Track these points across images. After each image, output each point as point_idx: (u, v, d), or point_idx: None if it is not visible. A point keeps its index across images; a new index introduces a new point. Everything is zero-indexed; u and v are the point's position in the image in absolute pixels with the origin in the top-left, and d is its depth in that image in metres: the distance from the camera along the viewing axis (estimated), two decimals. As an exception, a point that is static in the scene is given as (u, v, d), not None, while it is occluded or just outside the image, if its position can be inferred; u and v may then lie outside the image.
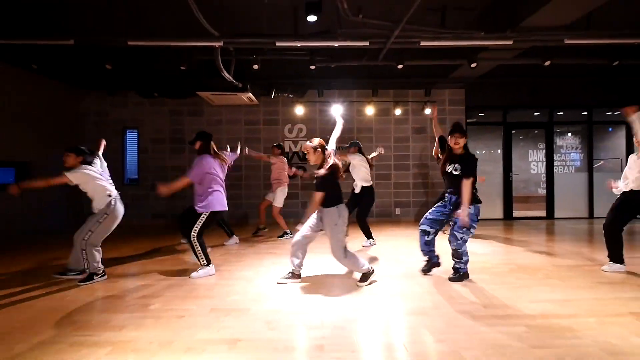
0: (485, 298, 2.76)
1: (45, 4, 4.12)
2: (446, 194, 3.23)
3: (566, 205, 7.23)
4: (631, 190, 3.31)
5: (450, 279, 3.16)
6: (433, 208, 3.29)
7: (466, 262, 3.17)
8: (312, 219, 3.14)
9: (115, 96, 7.00)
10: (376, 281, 3.18)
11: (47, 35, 4.21)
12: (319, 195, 2.98)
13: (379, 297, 2.82)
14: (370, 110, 6.79)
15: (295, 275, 3.19)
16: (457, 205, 3.07)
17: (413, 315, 2.45)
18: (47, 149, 6.28)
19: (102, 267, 3.33)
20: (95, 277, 3.24)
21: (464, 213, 2.93)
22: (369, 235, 4.68)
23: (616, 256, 3.44)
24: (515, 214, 7.43)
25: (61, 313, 2.53)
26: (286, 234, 5.24)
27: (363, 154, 4.65)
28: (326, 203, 3.01)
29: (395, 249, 4.56)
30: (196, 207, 3.38)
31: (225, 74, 5.01)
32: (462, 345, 2.02)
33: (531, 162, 9.45)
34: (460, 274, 3.17)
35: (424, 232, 3.22)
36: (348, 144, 4.81)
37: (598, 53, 4.90)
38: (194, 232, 3.32)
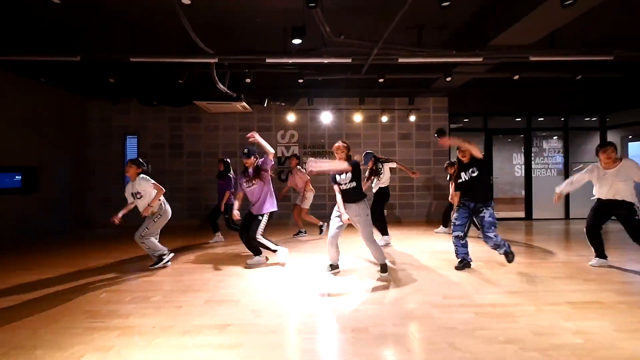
0: (447, 290, 3.15)
1: (55, 23, 4.48)
2: (465, 202, 3.71)
3: (544, 206, 7.64)
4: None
5: (509, 261, 3.67)
6: (457, 214, 3.78)
7: (505, 244, 3.65)
8: (335, 219, 3.55)
9: (118, 104, 7.36)
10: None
11: (55, 51, 4.57)
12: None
13: (353, 289, 3.20)
14: (358, 117, 7.18)
15: (334, 267, 3.70)
16: (475, 210, 3.61)
17: (380, 305, 2.84)
18: (53, 154, 6.65)
19: (166, 248, 4.01)
20: (163, 257, 3.94)
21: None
22: (384, 232, 5.07)
23: (600, 252, 3.89)
24: (497, 215, 7.81)
25: (75, 305, 2.90)
26: (321, 226, 5.73)
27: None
28: (357, 198, 3.47)
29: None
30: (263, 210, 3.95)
31: (220, 86, 5.39)
32: (415, 328, 2.41)
33: (515, 165, 9.92)
34: (510, 254, 3.64)
35: (459, 237, 3.73)
36: (365, 155, 5.14)
37: (562, 68, 5.31)
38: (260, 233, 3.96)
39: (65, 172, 6.95)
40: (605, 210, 3.80)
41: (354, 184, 3.48)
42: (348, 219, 3.44)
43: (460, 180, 3.69)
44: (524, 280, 3.42)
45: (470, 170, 3.60)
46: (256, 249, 4.06)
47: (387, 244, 5.00)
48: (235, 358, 2.05)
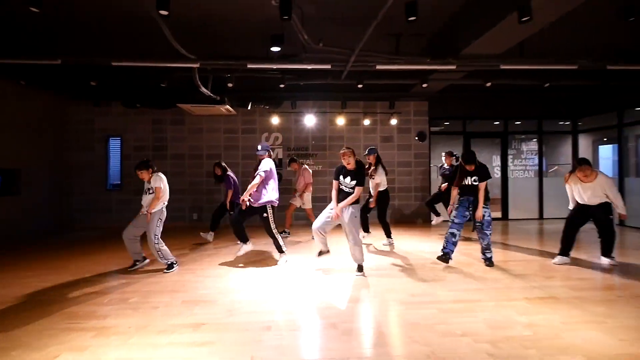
0: (416, 288, 3.32)
1: (36, 27, 4.50)
2: (462, 200, 4.07)
3: (519, 207, 7.94)
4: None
5: (488, 265, 4.03)
6: (456, 212, 4.08)
7: (491, 250, 4.10)
8: (327, 211, 3.74)
9: (101, 106, 7.34)
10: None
11: (36, 55, 4.58)
12: (360, 190, 3.61)
13: (328, 288, 3.34)
14: (341, 120, 7.34)
15: (322, 252, 3.93)
16: (475, 205, 3.97)
17: (352, 302, 2.98)
18: (34, 156, 6.60)
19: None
20: (174, 265, 4.00)
21: (480, 211, 3.93)
22: (388, 234, 5.20)
23: (565, 250, 4.19)
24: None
25: (53, 306, 2.95)
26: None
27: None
28: (353, 202, 3.66)
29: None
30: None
31: (203, 90, 5.47)
32: (380, 324, 2.56)
33: (494, 166, 10.24)
34: (491, 261, 4.04)
35: (453, 235, 4.03)
36: (367, 151, 5.16)
37: (532, 76, 5.58)
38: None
39: (46, 174, 6.89)
40: (585, 210, 4.09)
41: (353, 188, 3.61)
42: (337, 215, 3.59)
43: (463, 184, 4.04)
44: (490, 278, 3.62)
45: (472, 179, 3.97)
46: (242, 235, 4.38)
47: (391, 245, 5.12)
48: (206, 355, 2.16)
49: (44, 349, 2.24)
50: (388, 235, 5.20)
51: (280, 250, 4.27)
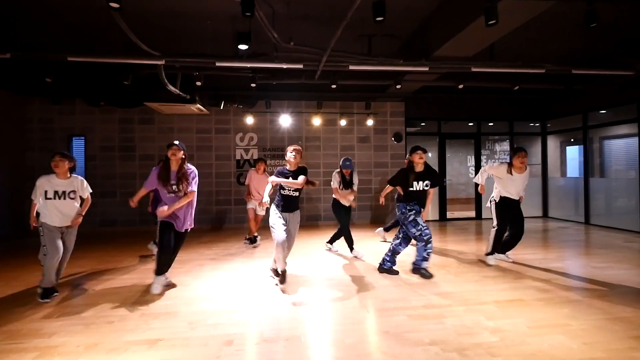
0: (388, 293, 3.26)
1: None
2: (412, 208, 3.69)
3: (492, 207, 8.11)
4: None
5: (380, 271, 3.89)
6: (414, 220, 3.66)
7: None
8: (281, 221, 3.49)
9: (62, 104, 6.90)
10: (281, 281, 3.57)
11: (-19, 48, 4.20)
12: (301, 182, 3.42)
13: (294, 296, 3.22)
14: (317, 120, 7.24)
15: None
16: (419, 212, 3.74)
17: (319, 311, 2.88)
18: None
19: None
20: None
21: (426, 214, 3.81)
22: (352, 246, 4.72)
23: (497, 248, 4.24)
24: (452, 215, 8.22)
25: (-8, 324, 2.68)
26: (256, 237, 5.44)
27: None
28: (296, 207, 3.60)
29: (320, 254, 5.01)
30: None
31: (171, 88, 5.22)
32: (348, 334, 2.48)
33: (469, 166, 10.45)
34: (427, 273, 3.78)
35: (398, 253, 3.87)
36: (342, 162, 4.68)
37: (502, 78, 5.69)
38: None
39: (4, 176, 6.40)
40: (513, 208, 4.12)
41: (297, 192, 3.52)
42: (266, 202, 3.59)
43: (412, 189, 3.66)
44: (461, 280, 3.62)
45: (425, 183, 3.68)
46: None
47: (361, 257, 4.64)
48: (159, 375, 2.00)
49: (-26, 376, 2.01)
50: (352, 248, 4.75)
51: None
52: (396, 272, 3.82)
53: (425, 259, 3.72)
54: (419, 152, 3.68)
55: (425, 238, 3.63)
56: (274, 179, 3.51)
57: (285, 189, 3.49)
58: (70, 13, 4.16)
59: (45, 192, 3.25)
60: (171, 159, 3.37)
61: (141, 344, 2.36)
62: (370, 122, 7.46)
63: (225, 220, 7.33)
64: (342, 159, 4.74)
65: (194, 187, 3.40)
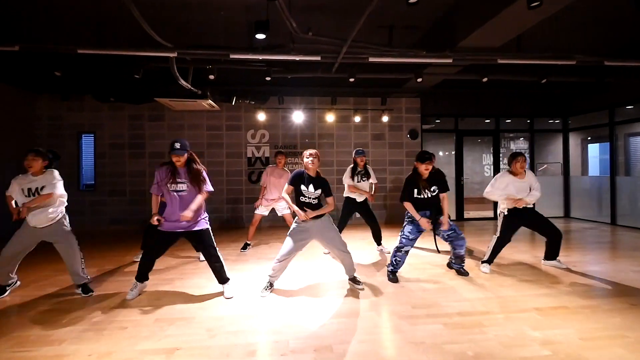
0: (416, 299, 3.04)
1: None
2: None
3: (511, 206, 7.82)
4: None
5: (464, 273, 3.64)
6: (410, 228, 3.45)
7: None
8: (299, 237, 3.20)
9: (70, 100, 6.78)
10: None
11: (-10, 40, 4.06)
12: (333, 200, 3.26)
13: (317, 301, 3.02)
14: (330, 117, 7.02)
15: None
16: (434, 220, 3.46)
17: (345, 317, 2.67)
18: (-6, 154, 6.00)
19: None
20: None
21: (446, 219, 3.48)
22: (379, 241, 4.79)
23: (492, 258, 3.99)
24: (468, 215, 7.95)
25: (1, 330, 2.52)
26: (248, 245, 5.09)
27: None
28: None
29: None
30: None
31: (183, 82, 5.04)
32: (382, 344, 2.26)
33: (485, 165, 10.15)
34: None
35: (407, 252, 3.53)
36: (356, 151, 4.65)
37: (529, 71, 5.41)
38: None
39: (12, 174, 6.27)
40: (522, 218, 3.81)
41: (318, 201, 3.23)
42: (303, 214, 3.14)
43: (418, 197, 3.42)
44: (492, 285, 3.38)
45: (432, 189, 3.43)
46: None
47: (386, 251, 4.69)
48: (179, 391, 1.81)
49: (-22, 389, 1.84)
50: (378, 242, 4.84)
51: None
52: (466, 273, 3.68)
53: (391, 265, 3.55)
54: (427, 163, 3.38)
55: (398, 245, 3.50)
56: (286, 197, 3.23)
57: (304, 197, 3.20)
58: (80, 4, 4.00)
59: (22, 190, 3.10)
60: (177, 165, 3.09)
61: (157, 353, 2.17)
62: (385, 118, 7.22)
63: (237, 220, 7.15)
64: (355, 149, 4.68)
65: (210, 187, 3.20)
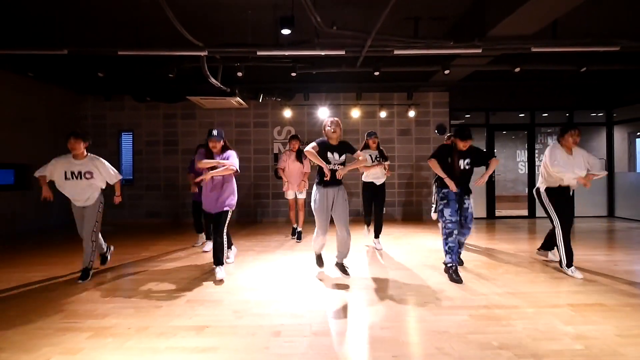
0: (442, 291, 3.00)
1: (43, 16, 4.39)
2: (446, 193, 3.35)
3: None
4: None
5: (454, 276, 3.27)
6: (450, 209, 3.29)
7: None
8: (324, 204, 3.25)
9: (112, 101, 7.28)
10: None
11: (43, 45, 4.47)
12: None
13: (342, 289, 3.06)
14: (356, 113, 7.02)
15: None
16: (459, 200, 3.36)
17: (369, 305, 2.69)
18: (45, 151, 6.57)
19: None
20: (107, 255, 3.75)
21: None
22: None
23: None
24: (499, 213, 7.65)
25: (52, 303, 2.79)
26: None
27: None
28: (339, 181, 3.29)
29: (363, 248, 4.79)
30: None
31: (213, 80, 5.26)
32: (404, 331, 2.26)
33: (519, 162, 9.68)
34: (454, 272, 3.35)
35: (457, 235, 3.31)
36: (367, 134, 4.60)
37: (566, 60, 5.11)
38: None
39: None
40: (563, 196, 3.42)
41: (342, 166, 3.29)
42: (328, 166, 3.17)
43: (451, 166, 3.32)
44: (523, 280, 3.25)
45: (466, 161, 3.36)
46: None
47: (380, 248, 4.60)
48: (208, 363, 1.93)
49: (36, 351, 2.05)
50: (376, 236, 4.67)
51: None
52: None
53: (448, 257, 3.32)
54: (467, 141, 3.30)
55: (445, 231, 3.32)
56: (312, 152, 3.15)
57: (330, 163, 3.24)
58: (118, 8, 4.28)
59: (65, 172, 3.29)
60: (213, 151, 3.37)
61: (189, 330, 2.31)
62: (411, 113, 7.11)
63: (264, 214, 7.34)
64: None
65: (235, 163, 3.39)
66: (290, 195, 5.10)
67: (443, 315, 2.48)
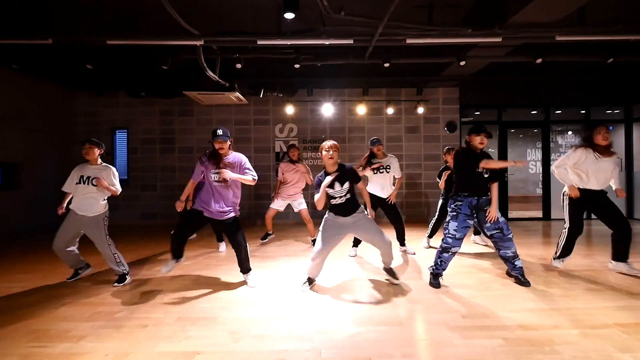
0: (466, 306, 2.64)
1: (28, 4, 4.04)
2: (462, 201, 2.99)
3: (563, 206, 7.05)
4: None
5: (523, 283, 3.06)
6: (456, 223, 2.97)
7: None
8: (331, 232, 2.98)
9: (106, 96, 6.95)
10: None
11: (25, 34, 4.13)
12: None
13: (350, 305, 2.71)
14: (361, 109, 6.67)
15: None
16: (479, 208, 3.02)
17: (385, 326, 2.34)
18: (36, 149, 6.25)
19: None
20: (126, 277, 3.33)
21: (495, 211, 2.98)
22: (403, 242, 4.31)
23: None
24: (512, 214, 7.28)
25: (24, 322, 2.44)
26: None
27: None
28: (354, 207, 2.98)
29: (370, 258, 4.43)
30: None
31: (210, 73, 4.91)
32: (431, 359, 1.91)
33: (529, 161, 9.31)
34: (524, 275, 3.14)
35: (454, 253, 3.05)
36: (371, 141, 4.19)
37: (592, 50, 4.73)
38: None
39: (50, 169, 6.53)
40: (589, 201, 3.36)
41: (349, 195, 2.92)
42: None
43: (478, 172, 2.92)
44: (556, 294, 2.89)
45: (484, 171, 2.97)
46: None
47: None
48: (196, 404, 1.58)
49: (-10, 387, 1.71)
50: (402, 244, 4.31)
51: None
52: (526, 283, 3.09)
53: (435, 267, 3.09)
54: (483, 135, 2.92)
55: (443, 245, 3.01)
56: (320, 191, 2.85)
57: (335, 198, 2.92)
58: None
59: (80, 177, 3.22)
60: (220, 153, 3.01)
61: (177, 357, 1.97)
62: (420, 110, 6.75)
63: (264, 216, 6.97)
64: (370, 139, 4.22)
65: (254, 173, 3.08)
66: (276, 205, 4.68)
67: (475, 339, 2.13)
